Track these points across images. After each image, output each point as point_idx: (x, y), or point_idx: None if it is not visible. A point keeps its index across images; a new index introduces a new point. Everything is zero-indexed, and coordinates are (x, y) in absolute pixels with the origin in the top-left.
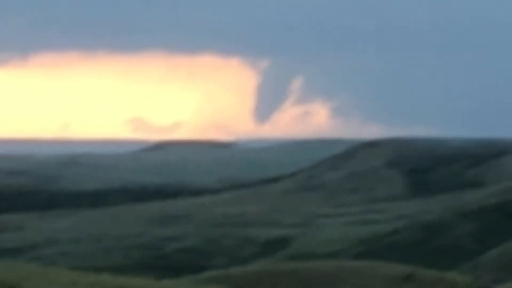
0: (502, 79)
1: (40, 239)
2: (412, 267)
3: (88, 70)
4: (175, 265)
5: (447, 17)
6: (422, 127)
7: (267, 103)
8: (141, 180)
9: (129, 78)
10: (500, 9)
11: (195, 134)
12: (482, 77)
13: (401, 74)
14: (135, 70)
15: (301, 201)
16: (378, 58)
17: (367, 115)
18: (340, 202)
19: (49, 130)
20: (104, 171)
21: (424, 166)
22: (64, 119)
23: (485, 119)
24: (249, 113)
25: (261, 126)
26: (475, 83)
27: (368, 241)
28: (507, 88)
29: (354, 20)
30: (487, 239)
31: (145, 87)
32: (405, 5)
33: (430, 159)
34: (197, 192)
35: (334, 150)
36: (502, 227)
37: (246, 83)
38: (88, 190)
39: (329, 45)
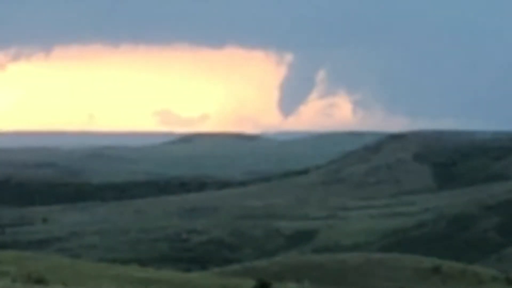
0: None
1: (66, 231)
2: (438, 260)
3: (113, 62)
4: (201, 258)
5: (473, 10)
6: (448, 120)
7: (292, 95)
8: (167, 172)
9: (154, 71)
10: None
11: (221, 127)
12: (508, 70)
13: (427, 67)
14: (161, 63)
15: (327, 194)
16: (405, 51)
17: (392, 108)
18: (367, 195)
19: (75, 123)
20: (130, 163)
21: (450, 159)
22: (90, 111)
23: (510, 113)
24: (274, 106)
25: (287, 118)
26: (501, 76)
27: (394, 234)
28: None
29: (379, 13)
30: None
31: (171, 80)
32: None
33: (456, 152)
34: (223, 184)
35: (359, 143)
36: None
37: (272, 76)
38: (114, 182)
39: (354, 38)
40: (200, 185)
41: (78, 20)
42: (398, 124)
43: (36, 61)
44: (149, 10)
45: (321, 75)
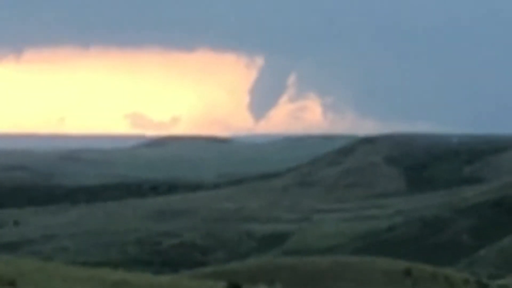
0: (500, 76)
1: (38, 234)
2: (410, 263)
3: (84, 65)
4: (172, 261)
5: (445, 12)
6: (419, 123)
7: (263, 99)
8: (139, 175)
9: (125, 74)
10: (503, 7)
11: (193, 130)
12: (480, 74)
13: (398, 69)
14: (132, 66)
15: (299, 197)
16: (375, 53)
17: (364, 111)
18: (338, 198)
19: (47, 126)
20: (102, 166)
21: (421, 162)
22: (61, 114)
23: (483, 116)
24: (246, 109)
25: (258, 122)
26: (473, 79)
27: (366, 237)
28: (505, 85)
29: (351, 16)
30: (484, 235)
31: (142, 83)
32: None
33: (428, 155)
34: (195, 187)
35: (331, 146)
36: (499, 224)
37: (243, 79)
38: (86, 185)
39: (326, 42)
40: (172, 188)
41: (49, 22)
42: (369, 127)
43: (6, 63)
44: (120, 13)
45: (292, 78)
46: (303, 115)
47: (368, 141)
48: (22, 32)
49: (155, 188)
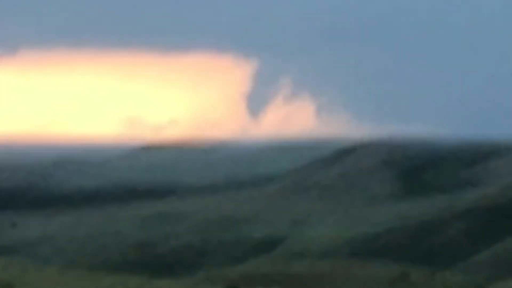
0: (497, 79)
1: (35, 237)
2: (406, 267)
3: (80, 67)
4: (169, 264)
5: (441, 11)
6: (416, 127)
7: (259, 101)
8: (134, 179)
9: (121, 77)
10: (499, 9)
11: (186, 133)
12: (477, 76)
13: (393, 72)
14: (127, 69)
15: (294, 201)
16: (372, 56)
17: (360, 114)
18: (334, 202)
19: (44, 128)
20: (97, 169)
21: (417, 166)
22: (57, 116)
23: (479, 119)
24: (241, 112)
25: (253, 124)
26: (469, 82)
27: (361, 241)
28: (502, 88)
29: (346, 17)
30: (480, 239)
31: (138, 86)
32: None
33: (424, 159)
34: (191, 191)
35: (326, 149)
36: (495, 227)
37: (238, 81)
38: (83, 189)
39: (320, 43)
40: (168, 191)
41: (43, 23)
42: (365, 130)
43: (0, 65)
44: (115, 15)
45: (287, 81)
46: (298, 118)
47: (364, 144)
48: (16, 32)
49: (152, 192)
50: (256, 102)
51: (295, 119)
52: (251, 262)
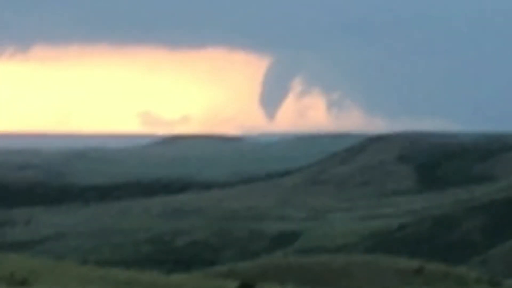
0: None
1: (50, 233)
2: (422, 262)
3: (94, 63)
4: (184, 259)
5: (457, 6)
6: (431, 121)
7: (274, 97)
8: (150, 174)
9: (136, 72)
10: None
11: (204, 128)
12: (493, 71)
13: (410, 67)
14: (142, 64)
15: (310, 195)
16: (387, 51)
17: (375, 109)
18: (350, 196)
19: (57, 124)
20: (113, 165)
21: (433, 161)
22: (72, 112)
23: (495, 113)
24: (256, 107)
25: (269, 120)
26: (485, 76)
27: (377, 235)
28: None
29: (359, 13)
30: (496, 233)
31: (153, 81)
32: None
33: (440, 154)
34: (206, 186)
35: (342, 144)
36: (511, 222)
37: (253, 77)
38: (97, 184)
39: (335, 39)
40: (183, 186)
41: (58, 19)
42: (380, 125)
43: (15, 61)
44: (129, 11)
45: (303, 76)
46: (313, 113)
47: (379, 139)
48: (30, 29)
49: (166, 187)
50: (270, 98)
51: (309, 114)
52: (267, 257)
